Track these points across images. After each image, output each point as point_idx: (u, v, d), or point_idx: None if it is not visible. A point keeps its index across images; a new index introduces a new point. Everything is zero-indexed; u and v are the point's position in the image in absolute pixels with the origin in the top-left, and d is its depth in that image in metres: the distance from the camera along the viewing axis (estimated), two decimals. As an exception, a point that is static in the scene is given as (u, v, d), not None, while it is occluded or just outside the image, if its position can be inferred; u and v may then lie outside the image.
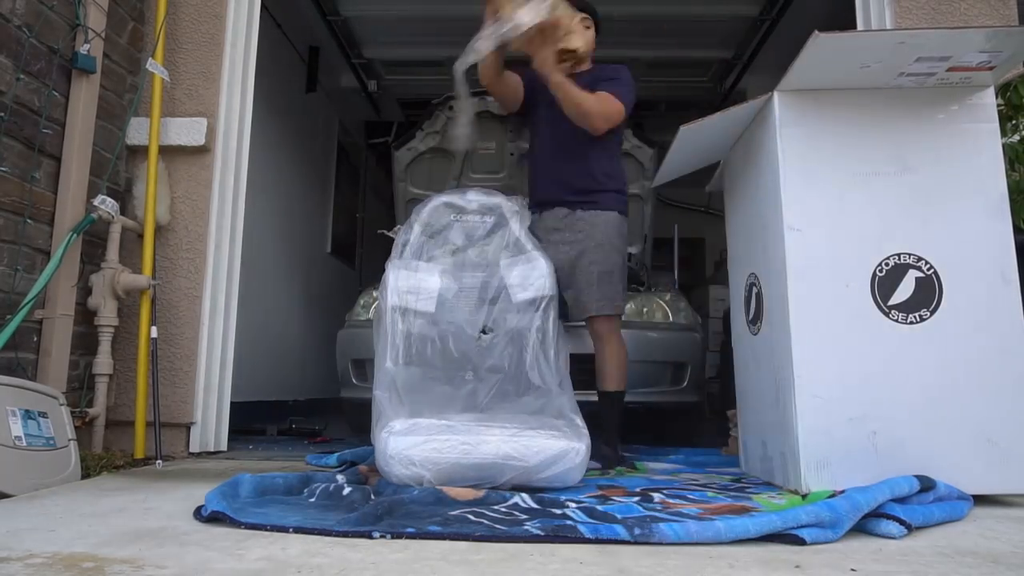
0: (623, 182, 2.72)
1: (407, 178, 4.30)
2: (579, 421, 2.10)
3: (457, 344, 2.35)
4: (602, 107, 2.50)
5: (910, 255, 1.97)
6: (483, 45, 2.33)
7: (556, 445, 1.96)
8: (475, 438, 1.94)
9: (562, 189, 2.64)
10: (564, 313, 2.68)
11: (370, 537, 1.45)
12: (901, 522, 1.56)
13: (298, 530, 1.49)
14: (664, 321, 3.59)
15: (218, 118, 2.93)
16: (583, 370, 3.37)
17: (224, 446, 2.92)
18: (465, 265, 2.50)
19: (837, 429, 1.88)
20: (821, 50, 1.86)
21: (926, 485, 1.80)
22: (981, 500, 1.85)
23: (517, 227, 2.58)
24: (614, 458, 2.54)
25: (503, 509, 1.71)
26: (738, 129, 2.29)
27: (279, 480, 1.90)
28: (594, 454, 2.44)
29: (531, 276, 2.47)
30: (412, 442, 1.94)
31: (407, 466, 1.91)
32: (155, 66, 2.82)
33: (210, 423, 2.85)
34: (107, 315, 2.65)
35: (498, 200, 2.63)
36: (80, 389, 2.62)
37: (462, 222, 2.58)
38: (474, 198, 2.62)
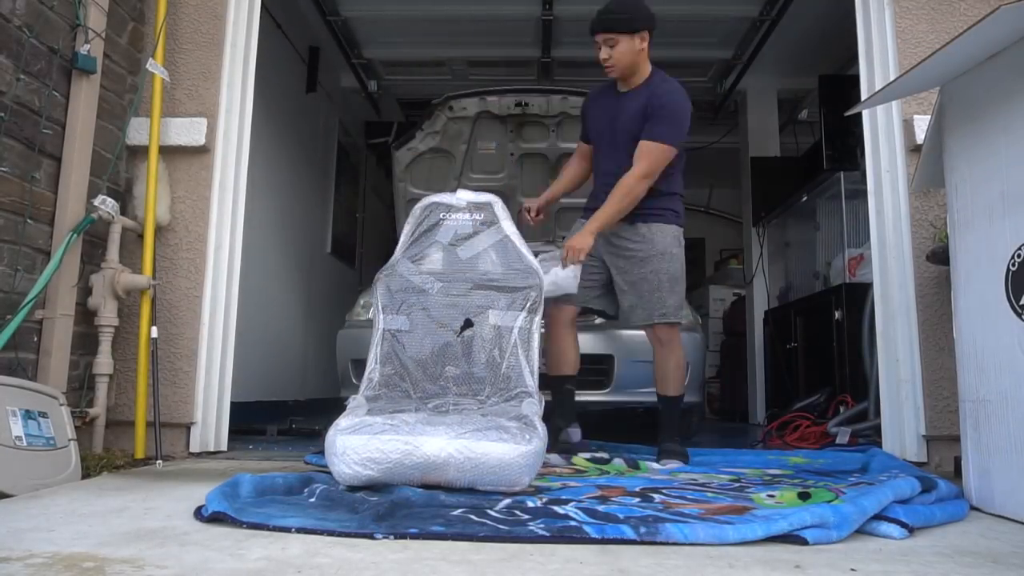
0: (679, 197, 2.79)
1: (407, 178, 4.30)
2: (537, 423, 2.04)
3: (435, 340, 2.39)
4: (636, 184, 2.58)
5: None
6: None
7: (499, 448, 1.88)
8: (417, 438, 1.90)
9: None
10: (606, 315, 2.84)
11: (373, 538, 1.45)
12: (903, 525, 1.56)
13: (300, 530, 1.49)
14: (664, 321, 3.59)
15: (218, 118, 2.93)
16: (590, 370, 3.38)
17: (224, 446, 2.91)
18: (451, 262, 2.54)
19: None
20: None
21: (927, 486, 1.80)
22: (981, 500, 1.85)
23: (509, 227, 2.61)
24: (681, 452, 2.72)
25: (504, 508, 1.71)
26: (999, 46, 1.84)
27: (279, 480, 1.90)
28: (666, 451, 2.70)
29: (561, 275, 2.52)
30: (357, 441, 1.91)
31: (350, 465, 1.90)
32: (155, 66, 2.82)
33: (210, 423, 2.85)
34: (107, 315, 2.65)
35: (488, 198, 2.67)
36: (80, 389, 2.62)
37: (451, 220, 2.62)
38: (464, 196, 2.67)
